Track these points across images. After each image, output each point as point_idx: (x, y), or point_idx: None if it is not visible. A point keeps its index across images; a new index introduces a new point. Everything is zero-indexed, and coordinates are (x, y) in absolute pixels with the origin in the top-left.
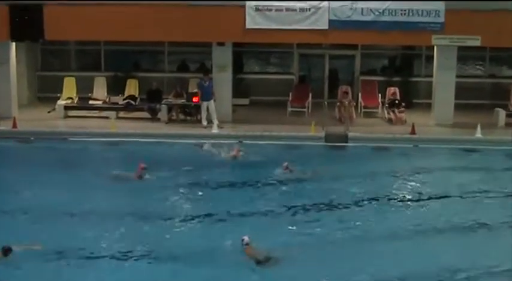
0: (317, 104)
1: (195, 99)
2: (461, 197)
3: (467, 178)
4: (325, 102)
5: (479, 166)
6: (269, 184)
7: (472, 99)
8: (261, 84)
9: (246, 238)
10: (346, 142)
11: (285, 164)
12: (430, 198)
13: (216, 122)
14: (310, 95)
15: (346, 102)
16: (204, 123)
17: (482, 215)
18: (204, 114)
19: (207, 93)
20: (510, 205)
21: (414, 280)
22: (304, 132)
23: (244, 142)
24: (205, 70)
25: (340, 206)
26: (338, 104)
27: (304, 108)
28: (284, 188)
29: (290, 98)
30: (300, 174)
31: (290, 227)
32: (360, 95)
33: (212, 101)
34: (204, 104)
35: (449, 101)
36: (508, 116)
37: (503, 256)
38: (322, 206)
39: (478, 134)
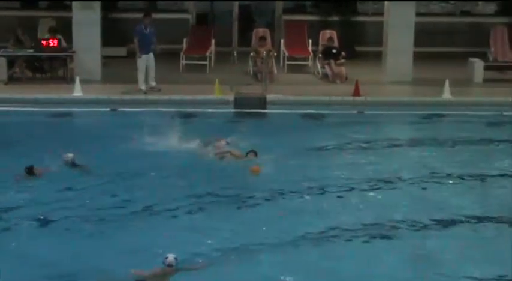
0: (223, 55)
1: (45, 42)
2: (422, 181)
3: (431, 154)
4: (235, 52)
5: (447, 138)
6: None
7: (439, 47)
8: None
9: (171, 258)
10: (264, 108)
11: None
12: (378, 186)
13: (153, 83)
14: (214, 41)
15: (264, 52)
16: (143, 87)
17: (451, 208)
18: (142, 74)
19: (148, 43)
20: (488, 192)
21: None
22: (204, 94)
23: (119, 109)
24: (146, 11)
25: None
26: (252, 54)
27: (205, 60)
28: None
29: (185, 47)
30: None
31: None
32: (282, 41)
33: (152, 55)
34: (143, 59)
35: (407, 49)
36: (486, 68)
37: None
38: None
39: (447, 95)
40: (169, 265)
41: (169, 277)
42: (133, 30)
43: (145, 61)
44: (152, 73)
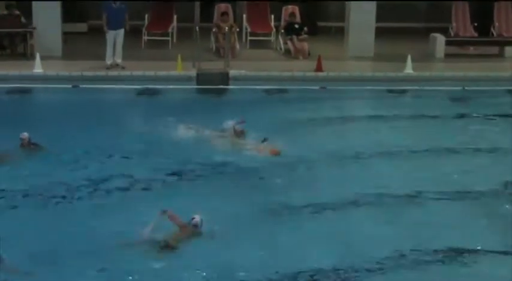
0: (185, 31)
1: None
2: (384, 157)
3: (393, 129)
4: (197, 28)
5: (409, 113)
6: None
7: (400, 22)
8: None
9: (197, 218)
10: (227, 84)
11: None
12: (340, 162)
13: (119, 60)
14: (175, 17)
15: (226, 28)
16: (109, 62)
17: (411, 184)
18: (109, 49)
19: (116, 20)
20: (450, 166)
21: None
22: (167, 70)
23: (81, 86)
24: None
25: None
26: (214, 29)
27: (167, 36)
28: None
29: (146, 22)
30: None
31: None
32: (244, 17)
33: (122, 31)
34: (111, 35)
35: (369, 24)
36: (448, 43)
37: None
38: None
39: (409, 70)
40: (195, 226)
41: (192, 237)
42: (102, 5)
43: (114, 36)
44: (119, 49)
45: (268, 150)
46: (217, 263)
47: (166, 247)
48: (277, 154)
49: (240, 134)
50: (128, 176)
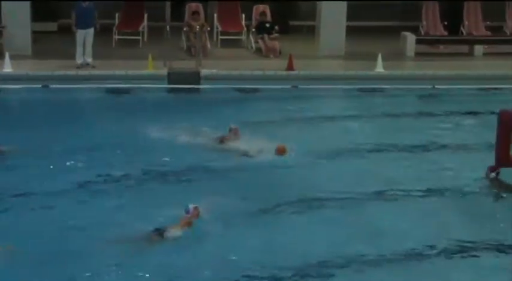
0: (156, 30)
1: None
2: (357, 156)
3: (364, 128)
4: (168, 27)
5: (380, 111)
6: None
7: (371, 21)
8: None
9: (190, 206)
10: (198, 83)
11: None
12: (311, 160)
13: (89, 59)
14: (146, 16)
15: (197, 27)
16: (79, 61)
17: (383, 180)
18: (79, 48)
19: (86, 19)
20: (421, 168)
21: None
22: (138, 69)
23: (51, 86)
24: None
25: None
26: (185, 28)
27: (138, 35)
28: None
29: (117, 22)
30: None
31: None
32: (215, 16)
33: (92, 30)
34: (81, 34)
35: (340, 23)
36: (418, 42)
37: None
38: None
39: (379, 68)
40: (186, 212)
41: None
42: (72, 4)
43: (83, 36)
44: (89, 48)
45: (279, 148)
46: (216, 259)
47: (162, 232)
48: (284, 152)
49: (234, 133)
50: (100, 176)
